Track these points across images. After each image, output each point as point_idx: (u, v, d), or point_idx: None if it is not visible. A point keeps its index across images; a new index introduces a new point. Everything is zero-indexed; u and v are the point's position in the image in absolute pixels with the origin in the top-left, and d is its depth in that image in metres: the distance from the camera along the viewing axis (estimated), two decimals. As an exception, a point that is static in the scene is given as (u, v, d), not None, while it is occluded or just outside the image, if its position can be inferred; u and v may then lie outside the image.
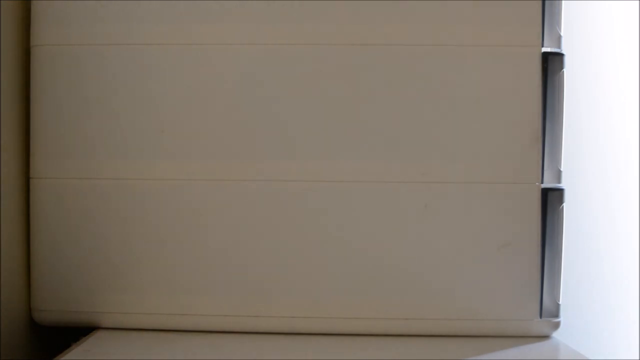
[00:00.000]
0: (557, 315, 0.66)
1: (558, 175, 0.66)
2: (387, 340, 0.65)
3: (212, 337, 0.65)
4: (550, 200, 0.65)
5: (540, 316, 0.66)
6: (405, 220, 0.65)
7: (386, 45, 0.65)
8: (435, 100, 0.65)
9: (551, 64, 0.65)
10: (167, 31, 0.65)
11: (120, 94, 0.66)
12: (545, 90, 0.65)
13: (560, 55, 0.65)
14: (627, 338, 0.91)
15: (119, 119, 0.66)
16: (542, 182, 0.65)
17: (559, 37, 0.65)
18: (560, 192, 0.66)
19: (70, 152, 0.66)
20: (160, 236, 0.66)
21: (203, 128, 0.65)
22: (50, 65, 0.66)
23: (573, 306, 0.82)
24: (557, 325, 0.66)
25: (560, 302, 0.66)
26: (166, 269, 0.66)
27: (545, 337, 0.66)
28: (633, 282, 0.91)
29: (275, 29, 0.65)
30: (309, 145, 0.65)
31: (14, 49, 0.66)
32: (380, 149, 0.65)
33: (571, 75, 0.67)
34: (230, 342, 0.64)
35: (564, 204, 0.66)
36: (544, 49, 0.65)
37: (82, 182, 0.66)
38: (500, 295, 0.65)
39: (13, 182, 0.66)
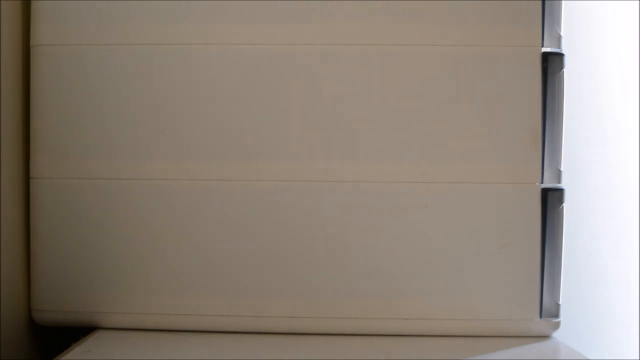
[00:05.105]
0: (557, 315, 0.66)
1: (558, 175, 0.66)
2: (387, 340, 0.65)
3: (212, 337, 0.65)
4: (550, 200, 0.65)
5: (540, 316, 0.66)
6: (405, 221, 0.65)
7: (386, 45, 0.65)
8: (435, 100, 0.65)
9: (551, 64, 0.65)
10: (167, 31, 0.65)
11: (120, 94, 0.66)
12: (545, 90, 0.65)
13: (560, 55, 0.65)
14: (627, 338, 0.91)
15: (119, 119, 0.66)
16: (542, 182, 0.65)
17: (559, 37, 0.65)
18: (560, 192, 0.66)
19: (70, 152, 0.66)
20: (159, 236, 0.66)
21: (203, 128, 0.65)
22: (50, 65, 0.66)
23: (573, 306, 0.82)
24: (557, 325, 0.66)
25: (560, 302, 0.66)
26: (166, 269, 0.66)
27: (545, 337, 0.66)
28: (633, 282, 0.91)
29: (275, 29, 0.65)
30: (309, 145, 0.65)
31: (14, 49, 0.66)
32: (380, 149, 0.65)
33: (571, 75, 0.67)
34: (230, 342, 0.64)
35: (564, 204, 0.66)
36: (544, 49, 0.65)
37: (82, 182, 0.66)
38: (500, 295, 0.65)
39: (13, 182, 0.66)
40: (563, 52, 0.65)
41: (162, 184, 0.66)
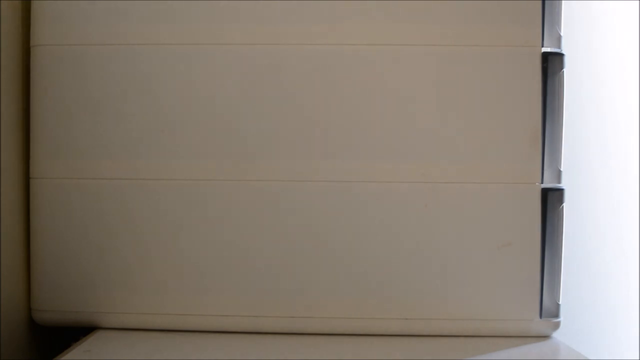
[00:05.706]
0: (557, 315, 0.66)
1: (558, 175, 0.66)
2: (387, 340, 0.65)
3: (213, 337, 0.65)
4: (550, 200, 0.65)
5: (540, 316, 0.66)
6: (405, 220, 0.65)
7: (386, 45, 0.65)
8: (435, 100, 0.65)
9: (551, 64, 0.65)
10: (167, 31, 0.65)
11: (120, 94, 0.66)
12: (545, 90, 0.65)
13: (560, 55, 0.65)
14: (627, 338, 0.91)
15: (119, 119, 0.66)
16: (542, 182, 0.65)
17: (559, 37, 0.65)
18: (560, 192, 0.65)
19: (70, 152, 0.66)
20: (159, 236, 0.66)
21: (203, 128, 0.65)
22: (50, 65, 0.66)
23: (573, 306, 0.82)
24: (557, 325, 0.66)
25: (560, 302, 0.66)
26: (166, 269, 0.66)
27: (545, 337, 0.66)
28: (633, 282, 0.91)
29: (275, 29, 0.65)
30: (309, 145, 0.65)
31: (14, 49, 0.66)
32: (380, 149, 0.65)
33: (571, 75, 0.67)
34: (230, 342, 0.64)
35: (564, 204, 0.66)
36: (544, 49, 0.65)
37: (82, 182, 0.66)
38: (500, 295, 0.65)
39: (13, 182, 0.66)
40: (563, 52, 0.65)
41: (162, 184, 0.66)
